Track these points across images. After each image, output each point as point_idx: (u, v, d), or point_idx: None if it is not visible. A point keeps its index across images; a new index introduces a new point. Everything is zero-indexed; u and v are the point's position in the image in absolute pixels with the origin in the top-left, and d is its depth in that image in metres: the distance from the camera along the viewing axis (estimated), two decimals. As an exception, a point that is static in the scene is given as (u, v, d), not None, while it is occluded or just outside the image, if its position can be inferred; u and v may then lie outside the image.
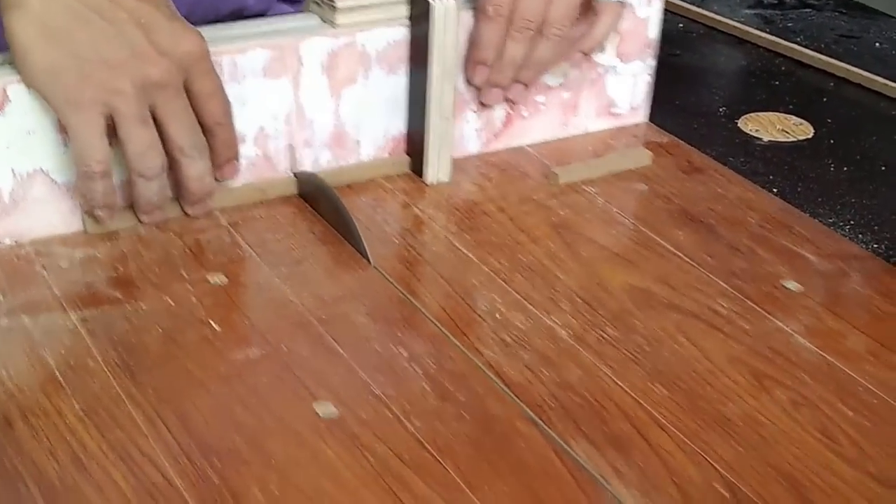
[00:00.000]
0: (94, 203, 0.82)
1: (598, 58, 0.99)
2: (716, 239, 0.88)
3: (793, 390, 0.72)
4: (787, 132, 1.04)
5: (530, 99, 0.98)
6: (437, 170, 0.93)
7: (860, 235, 0.89)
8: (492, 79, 0.94)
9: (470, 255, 0.85)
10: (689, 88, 1.13)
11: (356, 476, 0.64)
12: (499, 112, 0.98)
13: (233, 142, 0.85)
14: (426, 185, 0.93)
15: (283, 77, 0.87)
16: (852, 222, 0.91)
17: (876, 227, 0.91)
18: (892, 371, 0.73)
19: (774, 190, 0.95)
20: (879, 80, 1.15)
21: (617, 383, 0.72)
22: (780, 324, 0.78)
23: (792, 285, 0.82)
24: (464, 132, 0.97)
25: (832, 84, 1.16)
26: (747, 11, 1.31)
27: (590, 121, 1.02)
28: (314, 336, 0.75)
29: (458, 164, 0.96)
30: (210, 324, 0.76)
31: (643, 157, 0.98)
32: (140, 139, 0.80)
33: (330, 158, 0.92)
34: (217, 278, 0.81)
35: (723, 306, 0.80)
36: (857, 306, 0.80)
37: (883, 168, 1.00)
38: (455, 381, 0.72)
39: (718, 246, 0.87)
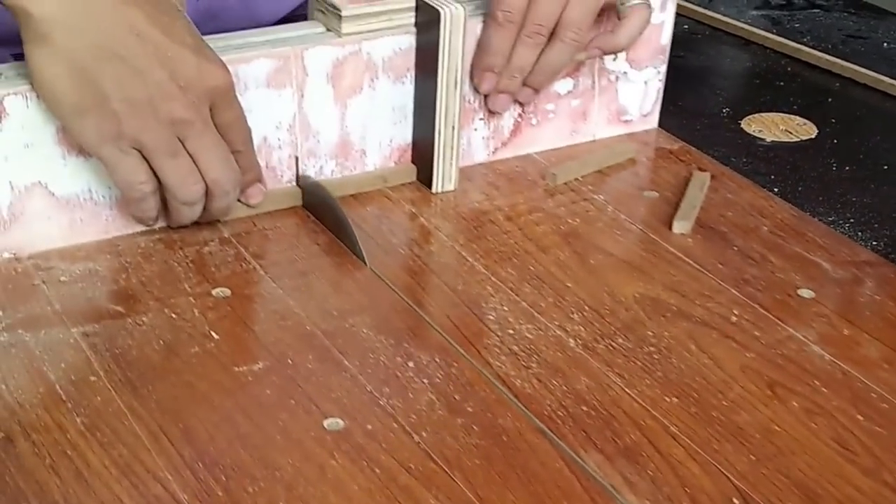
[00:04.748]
0: (150, 216, 0.83)
1: (610, 64, 0.98)
2: (727, 246, 0.86)
3: (806, 399, 0.71)
4: (790, 132, 1.04)
5: (540, 106, 0.97)
6: (443, 179, 0.92)
7: (860, 233, 0.89)
8: (500, 85, 0.92)
9: (477, 265, 0.84)
10: (694, 90, 1.12)
11: (363, 489, 0.63)
12: (507, 120, 0.97)
13: (254, 165, 0.85)
14: (432, 194, 0.92)
15: (287, 87, 0.86)
16: (852, 220, 0.90)
17: (876, 225, 0.90)
18: (908, 378, 0.72)
19: (776, 189, 0.95)
20: (886, 80, 1.14)
21: (627, 392, 0.71)
22: (793, 331, 0.77)
23: (805, 293, 0.81)
24: (471, 140, 0.96)
25: (838, 84, 1.15)
26: (754, 13, 1.30)
27: (599, 128, 1.01)
28: (319, 349, 0.74)
29: (465, 173, 0.94)
30: (213, 336, 0.75)
31: (628, 151, 0.98)
32: (175, 171, 0.79)
33: (335, 168, 0.91)
34: (220, 291, 0.80)
35: (735, 314, 0.78)
36: (871, 313, 0.79)
37: (885, 167, 1.00)
38: (463, 392, 0.71)
39: (730, 253, 0.85)
